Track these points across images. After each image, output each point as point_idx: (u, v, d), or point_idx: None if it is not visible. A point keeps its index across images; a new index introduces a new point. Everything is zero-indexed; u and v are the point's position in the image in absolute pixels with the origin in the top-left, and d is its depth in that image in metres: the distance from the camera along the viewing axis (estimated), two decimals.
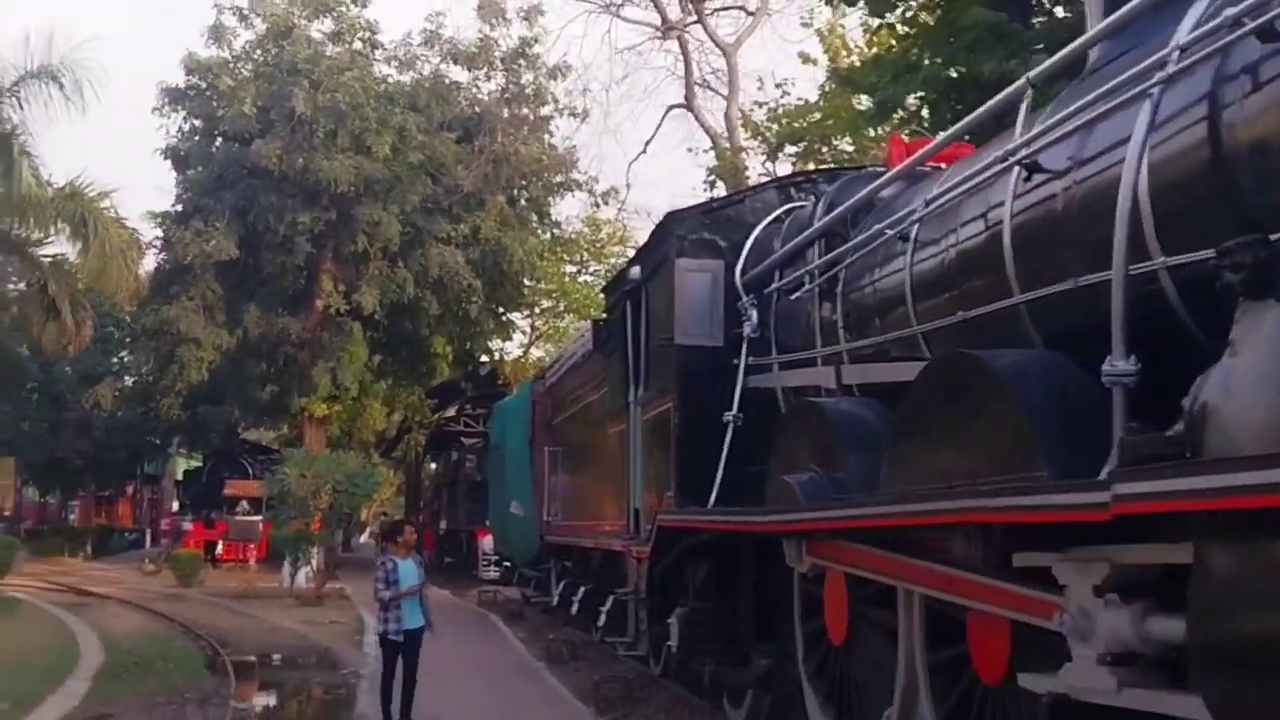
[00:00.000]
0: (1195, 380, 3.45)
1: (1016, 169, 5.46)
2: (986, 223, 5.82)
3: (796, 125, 25.92)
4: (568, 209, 49.06)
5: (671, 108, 33.72)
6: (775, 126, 27.81)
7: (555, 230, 36.31)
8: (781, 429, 7.74)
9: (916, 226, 6.65)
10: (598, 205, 36.23)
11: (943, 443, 5.25)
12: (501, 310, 35.98)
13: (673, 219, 9.95)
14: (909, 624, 6.23)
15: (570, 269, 38.35)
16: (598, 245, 38.13)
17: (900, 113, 17.79)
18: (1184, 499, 3.08)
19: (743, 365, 9.23)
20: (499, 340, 38.23)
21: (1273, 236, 3.44)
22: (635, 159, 51.37)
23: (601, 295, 14.06)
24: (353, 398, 34.85)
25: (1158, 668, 3.90)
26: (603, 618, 12.35)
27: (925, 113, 17.61)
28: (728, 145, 30.28)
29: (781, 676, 8.22)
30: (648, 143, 51.86)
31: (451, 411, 41.38)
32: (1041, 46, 13.01)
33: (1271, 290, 3.03)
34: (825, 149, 25.45)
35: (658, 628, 10.40)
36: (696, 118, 32.53)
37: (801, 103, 27.03)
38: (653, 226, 10.56)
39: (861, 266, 7.45)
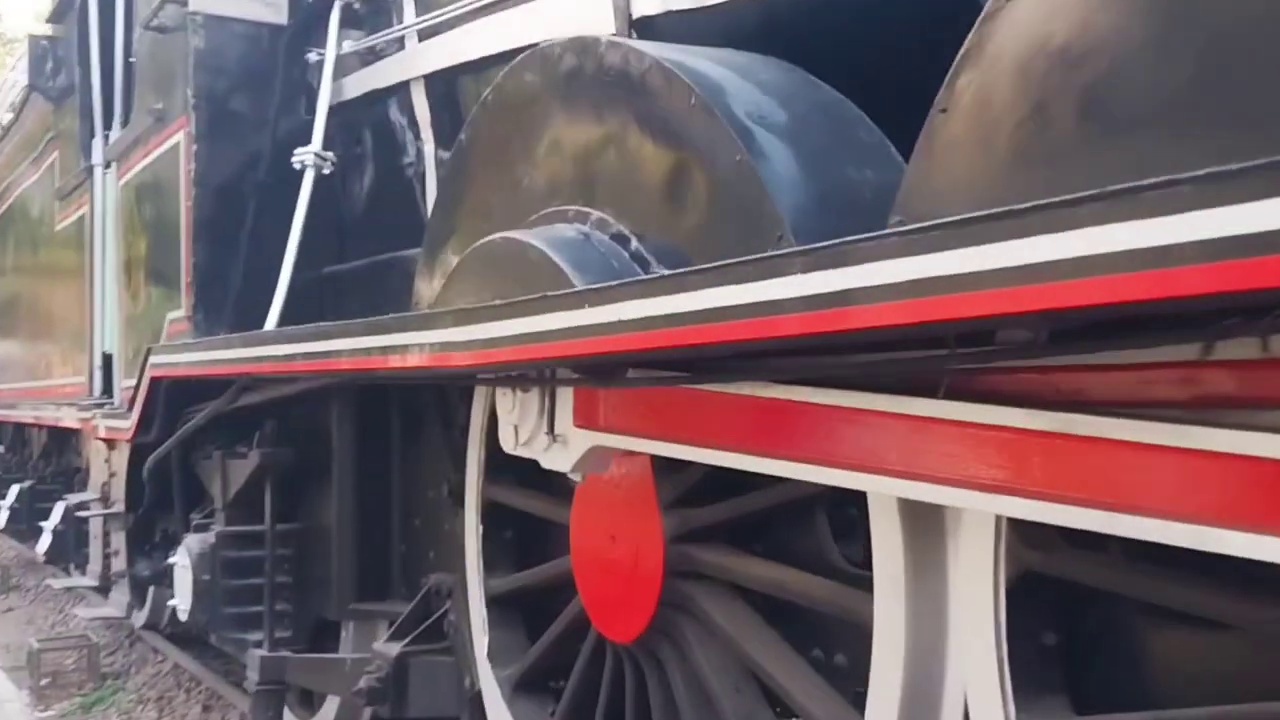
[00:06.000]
0: None
1: None
2: None
3: None
4: None
5: None
6: None
7: None
8: (486, 122, 3.22)
9: None
10: None
11: None
12: None
13: None
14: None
15: None
16: None
17: None
18: None
19: (330, 57, 4.68)
20: None
21: None
22: None
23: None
24: None
25: None
26: (46, 538, 7.33)
27: None
28: None
29: (423, 672, 3.94)
30: None
31: None
32: None
33: None
34: None
35: (148, 564, 5.71)
36: None
37: None
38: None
39: None
